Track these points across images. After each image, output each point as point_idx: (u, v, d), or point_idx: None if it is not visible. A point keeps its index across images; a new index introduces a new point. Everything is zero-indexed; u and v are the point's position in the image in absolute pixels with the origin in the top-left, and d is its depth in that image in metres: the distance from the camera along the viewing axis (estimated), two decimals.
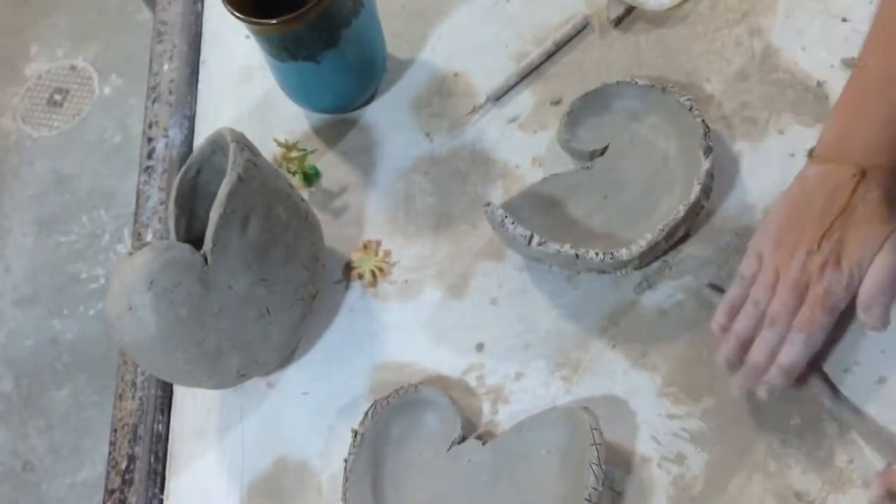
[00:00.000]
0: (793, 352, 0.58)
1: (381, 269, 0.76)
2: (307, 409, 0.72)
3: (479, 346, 0.70)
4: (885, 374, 0.60)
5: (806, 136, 0.70)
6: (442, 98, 0.83)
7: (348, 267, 0.77)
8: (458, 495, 0.63)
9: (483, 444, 0.64)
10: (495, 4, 0.86)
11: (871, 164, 0.59)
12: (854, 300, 0.58)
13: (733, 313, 0.61)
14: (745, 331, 0.60)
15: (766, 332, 0.59)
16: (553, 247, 0.65)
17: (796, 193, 0.61)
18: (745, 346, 0.60)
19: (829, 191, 0.59)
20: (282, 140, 0.79)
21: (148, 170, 0.89)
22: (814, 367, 0.60)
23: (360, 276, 0.76)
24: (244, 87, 0.90)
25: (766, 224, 0.62)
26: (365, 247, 0.77)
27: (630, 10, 0.81)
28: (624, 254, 0.64)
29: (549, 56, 0.81)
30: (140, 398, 0.77)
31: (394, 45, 0.86)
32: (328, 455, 0.69)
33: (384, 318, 0.74)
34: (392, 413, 0.66)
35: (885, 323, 0.57)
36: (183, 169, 0.68)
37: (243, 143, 0.66)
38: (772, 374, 0.59)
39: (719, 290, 0.65)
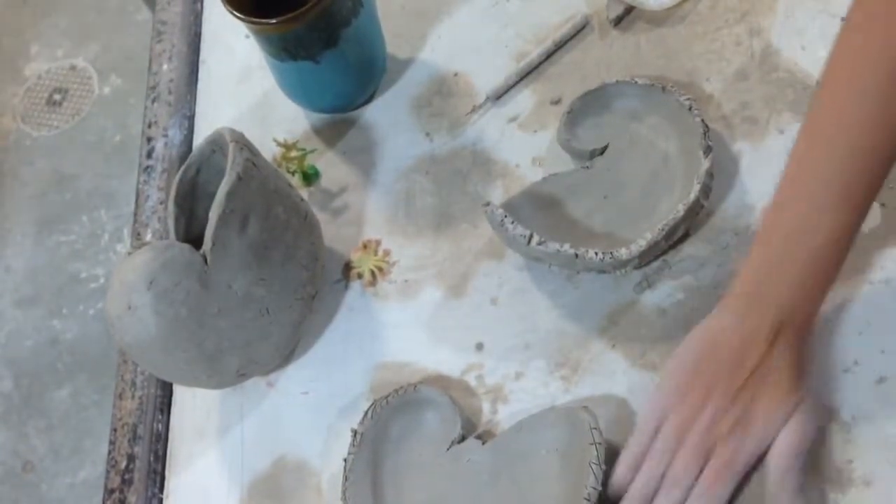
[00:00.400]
0: None
1: (380, 269, 0.76)
2: (307, 408, 0.72)
3: (479, 346, 0.70)
4: (885, 374, 0.60)
5: None
6: (442, 98, 0.83)
7: (348, 267, 0.77)
8: (457, 495, 0.63)
9: (483, 443, 0.64)
10: (495, 4, 0.86)
11: (787, 319, 0.56)
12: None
13: (635, 466, 0.58)
14: (644, 489, 0.57)
15: (664, 495, 0.56)
16: (553, 246, 0.65)
17: (706, 341, 0.58)
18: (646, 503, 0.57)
19: (741, 344, 0.56)
20: (281, 140, 0.79)
21: (147, 169, 0.89)
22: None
23: (360, 276, 0.76)
24: (243, 87, 0.90)
25: (671, 370, 0.59)
26: (364, 246, 0.77)
27: (630, 9, 0.80)
28: (623, 253, 0.64)
29: (549, 56, 0.81)
30: (140, 398, 0.77)
31: (394, 45, 0.86)
32: (328, 455, 0.69)
33: (384, 317, 0.74)
34: (392, 413, 0.66)
35: (798, 494, 0.55)
36: (182, 168, 0.69)
37: (243, 143, 0.66)
38: None
39: None
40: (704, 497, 0.55)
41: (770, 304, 0.56)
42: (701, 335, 0.59)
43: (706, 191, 0.67)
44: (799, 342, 0.56)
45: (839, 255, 0.56)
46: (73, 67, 2.21)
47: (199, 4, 0.98)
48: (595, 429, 0.59)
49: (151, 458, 0.74)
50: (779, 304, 0.56)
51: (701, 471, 0.56)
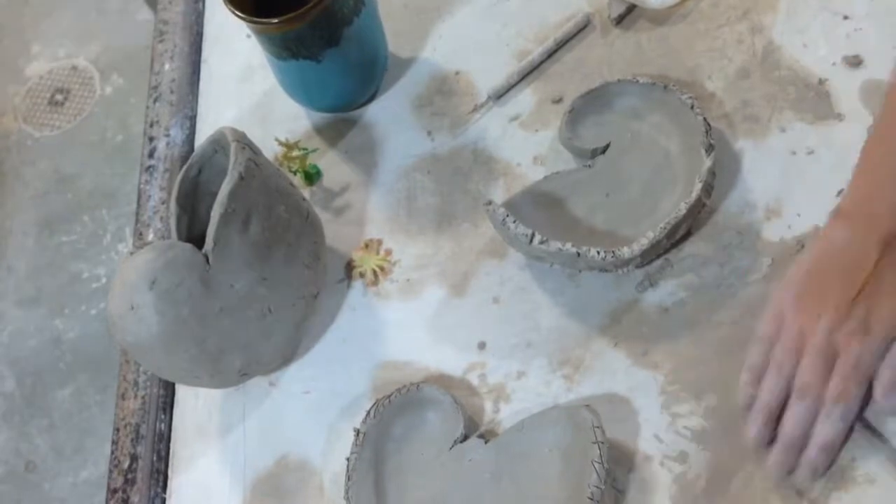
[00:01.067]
0: (830, 429, 0.56)
1: (382, 268, 0.76)
2: (309, 408, 0.72)
3: (481, 345, 0.70)
4: None
5: (808, 134, 0.70)
6: (443, 97, 0.83)
7: (350, 266, 0.77)
8: (460, 494, 0.63)
9: (485, 442, 0.64)
10: (496, 3, 0.86)
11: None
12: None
13: (758, 378, 0.59)
14: (773, 400, 0.58)
15: (797, 405, 0.57)
16: (554, 245, 0.65)
17: (820, 253, 0.60)
18: (774, 416, 0.58)
19: (854, 254, 0.57)
20: (283, 139, 0.79)
21: (149, 169, 0.89)
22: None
23: (362, 275, 0.76)
24: (245, 87, 0.90)
25: (787, 282, 0.60)
26: (366, 246, 0.77)
27: (631, 7, 0.80)
28: (625, 252, 0.64)
29: (551, 54, 0.81)
30: (142, 397, 0.77)
31: (395, 44, 0.86)
32: (330, 454, 0.69)
33: (386, 317, 0.74)
34: (394, 412, 0.66)
35: None
36: (184, 168, 0.69)
37: (244, 143, 0.66)
38: (812, 454, 0.56)
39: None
40: (838, 406, 0.56)
41: (879, 218, 0.58)
42: (811, 254, 0.60)
43: (708, 189, 0.67)
44: None
45: None
46: (74, 67, 2.21)
47: (200, 4, 0.98)
48: (597, 427, 0.59)
49: (154, 458, 0.74)
50: (890, 211, 0.57)
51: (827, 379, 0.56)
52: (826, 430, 0.56)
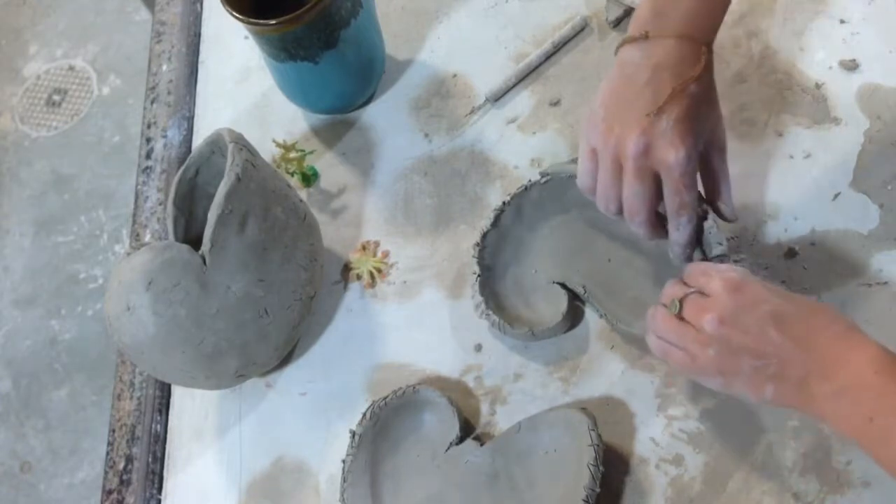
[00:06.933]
0: (682, 234, 0.59)
1: (379, 270, 0.76)
2: (305, 409, 0.72)
3: (478, 347, 0.70)
4: None
5: (804, 138, 0.70)
6: (441, 99, 0.83)
7: (347, 268, 0.77)
8: (455, 496, 0.63)
9: (481, 444, 0.64)
10: (494, 5, 0.86)
11: (688, 36, 0.56)
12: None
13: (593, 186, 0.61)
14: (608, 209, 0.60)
15: (633, 225, 0.59)
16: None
17: (617, 78, 0.58)
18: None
19: (651, 70, 0.56)
20: (280, 141, 0.79)
21: (146, 170, 0.89)
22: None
23: (359, 277, 0.76)
24: (243, 88, 0.90)
25: (591, 115, 0.59)
26: (363, 247, 0.77)
27: (629, 11, 0.80)
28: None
29: (548, 57, 0.81)
30: (138, 398, 0.77)
31: (393, 46, 0.86)
32: (326, 455, 0.69)
33: (382, 318, 0.74)
34: (390, 414, 0.66)
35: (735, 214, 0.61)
36: (181, 169, 0.69)
37: (242, 144, 0.66)
38: (676, 251, 0.60)
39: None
40: (681, 212, 0.58)
41: (672, 22, 0.57)
42: (613, 73, 0.59)
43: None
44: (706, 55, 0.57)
45: None
46: (71, 68, 2.21)
47: (198, 5, 0.98)
48: (593, 430, 0.59)
49: (150, 459, 0.74)
50: (681, 20, 0.56)
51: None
52: (679, 235, 0.59)
